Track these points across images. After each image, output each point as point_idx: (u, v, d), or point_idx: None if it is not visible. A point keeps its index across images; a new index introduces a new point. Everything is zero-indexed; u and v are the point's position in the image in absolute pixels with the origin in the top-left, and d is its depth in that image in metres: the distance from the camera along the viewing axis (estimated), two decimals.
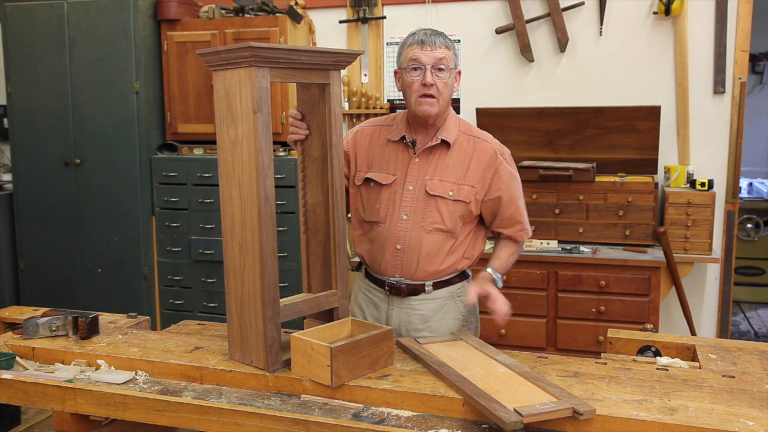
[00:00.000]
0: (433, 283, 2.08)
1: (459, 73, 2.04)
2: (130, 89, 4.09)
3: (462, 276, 2.15)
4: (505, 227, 2.12)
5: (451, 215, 2.03)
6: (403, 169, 2.06)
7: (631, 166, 3.75)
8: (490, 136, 2.13)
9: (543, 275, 3.48)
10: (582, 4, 3.89)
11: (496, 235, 2.17)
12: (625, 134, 3.70)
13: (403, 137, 2.07)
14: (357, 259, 2.29)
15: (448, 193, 2.02)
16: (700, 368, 1.79)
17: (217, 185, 1.83)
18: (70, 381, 1.78)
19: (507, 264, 2.12)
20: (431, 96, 1.97)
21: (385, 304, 2.13)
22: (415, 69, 1.96)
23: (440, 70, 1.96)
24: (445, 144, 2.05)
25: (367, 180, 2.09)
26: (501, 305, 1.93)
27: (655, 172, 3.74)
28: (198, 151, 4.20)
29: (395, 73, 2.06)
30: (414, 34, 2.00)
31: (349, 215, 2.18)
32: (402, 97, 4.16)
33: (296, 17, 4.05)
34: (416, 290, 2.08)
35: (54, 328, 2.05)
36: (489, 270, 2.06)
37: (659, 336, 2.04)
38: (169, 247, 4.21)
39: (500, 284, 2.04)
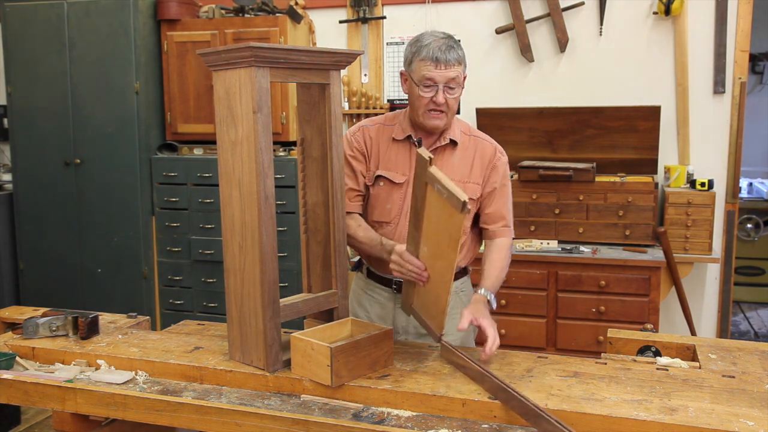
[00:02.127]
0: None
1: (464, 78, 2.04)
2: (130, 89, 4.09)
3: (463, 272, 2.17)
4: (490, 222, 2.11)
5: None
6: (410, 169, 2.06)
7: (631, 166, 3.75)
8: (488, 136, 2.15)
9: (543, 275, 3.48)
10: (582, 4, 3.89)
11: (482, 231, 2.16)
12: (625, 134, 3.70)
13: (409, 136, 2.07)
14: (356, 259, 2.29)
15: None
16: (700, 368, 1.79)
17: (217, 185, 1.83)
18: (70, 381, 1.78)
19: (498, 282, 2.05)
20: (440, 111, 1.97)
21: (391, 303, 2.13)
22: (427, 86, 1.94)
23: (452, 88, 1.95)
24: (450, 144, 2.06)
25: (378, 178, 2.08)
26: (491, 340, 1.81)
27: (655, 172, 3.74)
28: (198, 151, 4.20)
29: (401, 74, 2.05)
30: (428, 45, 1.93)
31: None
32: (402, 97, 4.19)
33: (296, 17, 4.05)
34: None
35: (54, 328, 2.05)
36: (482, 291, 1.97)
37: (659, 336, 2.04)
38: (169, 247, 4.21)
39: (494, 305, 1.96)
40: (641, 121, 3.64)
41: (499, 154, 2.11)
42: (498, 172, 2.09)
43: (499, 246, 2.09)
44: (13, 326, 2.21)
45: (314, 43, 4.32)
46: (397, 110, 2.17)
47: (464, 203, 1.58)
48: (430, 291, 1.82)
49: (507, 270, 2.10)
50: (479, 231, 2.17)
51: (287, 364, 1.76)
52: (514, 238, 2.16)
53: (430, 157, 1.68)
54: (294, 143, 4.10)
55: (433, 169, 1.68)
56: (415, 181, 1.76)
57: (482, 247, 2.20)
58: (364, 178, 2.10)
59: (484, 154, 2.09)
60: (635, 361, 1.87)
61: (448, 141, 2.05)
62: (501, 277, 2.06)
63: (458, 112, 4.03)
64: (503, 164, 2.11)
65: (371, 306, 2.18)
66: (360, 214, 2.12)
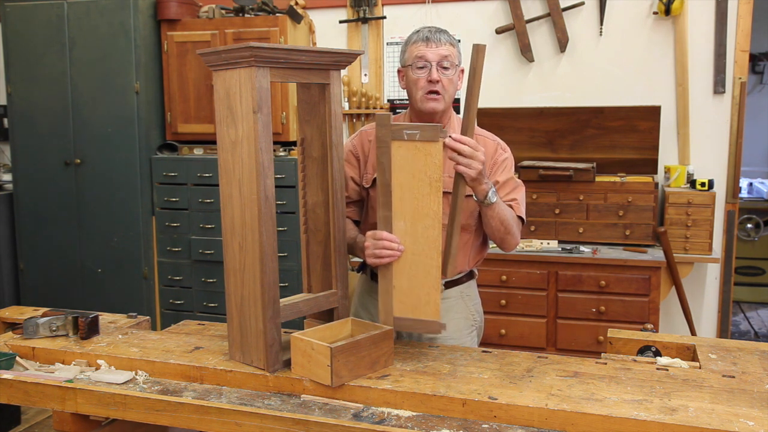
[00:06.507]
0: (445, 282, 2.08)
1: (462, 71, 2.04)
2: (130, 89, 4.09)
3: (470, 275, 2.16)
4: None
5: (463, 212, 2.02)
6: None
7: (631, 166, 3.75)
8: (490, 133, 2.14)
9: (543, 275, 3.48)
10: (582, 4, 3.89)
11: None
12: (625, 134, 3.70)
13: None
14: (357, 260, 2.28)
15: None
16: (700, 368, 1.79)
17: (217, 185, 1.83)
18: (70, 381, 1.78)
19: (505, 209, 1.97)
20: (437, 92, 1.97)
21: None
22: (420, 67, 1.96)
23: (445, 68, 1.96)
24: None
25: (376, 180, 2.07)
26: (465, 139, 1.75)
27: (655, 172, 3.74)
28: (198, 151, 4.20)
29: (399, 71, 2.06)
30: (418, 31, 1.99)
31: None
32: (402, 97, 4.19)
33: (296, 17, 4.05)
34: None
35: (54, 328, 2.05)
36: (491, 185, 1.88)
37: (659, 336, 2.04)
38: (169, 247, 4.21)
39: (493, 198, 1.87)
40: (641, 121, 3.65)
41: (501, 150, 2.10)
42: (500, 168, 2.08)
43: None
44: (13, 326, 2.21)
45: (314, 43, 4.32)
46: (398, 113, 2.17)
47: (440, 127, 1.68)
48: (417, 270, 1.78)
49: (510, 219, 1.98)
50: (485, 235, 2.14)
51: (287, 364, 1.76)
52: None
53: (389, 114, 1.76)
54: (294, 143, 4.10)
55: (396, 122, 1.76)
56: (379, 150, 1.77)
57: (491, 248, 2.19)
58: (356, 184, 2.11)
59: (485, 152, 2.08)
60: (635, 361, 1.87)
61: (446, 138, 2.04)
62: (508, 212, 1.97)
63: (458, 112, 4.05)
64: (504, 159, 2.09)
65: (375, 309, 2.17)
66: (356, 221, 2.13)
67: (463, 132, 1.80)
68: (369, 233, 1.84)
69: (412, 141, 1.72)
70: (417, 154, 1.72)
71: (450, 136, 1.75)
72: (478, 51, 1.77)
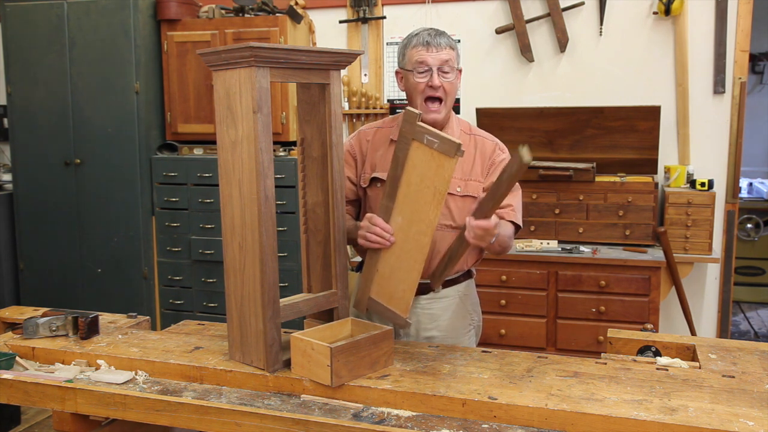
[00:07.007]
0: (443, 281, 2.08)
1: (460, 71, 2.05)
2: (130, 89, 4.09)
3: (467, 275, 2.16)
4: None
5: (460, 211, 2.03)
6: None
7: (631, 166, 3.75)
8: (489, 134, 2.15)
9: (543, 275, 3.48)
10: (582, 4, 3.89)
11: None
12: (625, 134, 3.70)
13: None
14: (357, 259, 2.29)
15: (456, 189, 2.03)
16: (700, 368, 1.79)
17: (217, 185, 1.84)
18: (70, 381, 1.79)
19: (504, 231, 1.97)
20: (438, 99, 1.97)
21: None
22: (421, 72, 1.96)
23: (446, 72, 1.96)
24: None
25: (374, 180, 2.08)
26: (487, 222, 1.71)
27: (655, 172, 3.74)
28: (198, 151, 4.20)
29: (397, 73, 2.06)
30: (417, 34, 1.99)
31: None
32: (402, 97, 4.19)
33: (296, 17, 4.05)
34: (426, 289, 2.07)
35: (54, 328, 2.05)
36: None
37: (659, 336, 2.04)
38: (169, 247, 4.21)
39: (493, 239, 1.85)
40: (641, 121, 3.64)
41: (499, 150, 2.10)
42: (498, 168, 2.07)
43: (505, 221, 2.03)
44: (13, 326, 2.21)
45: (314, 43, 4.32)
46: (397, 113, 2.17)
47: (458, 145, 1.65)
48: (400, 266, 1.81)
49: (510, 244, 2.01)
50: None
51: (287, 364, 1.76)
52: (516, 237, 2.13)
53: (419, 113, 1.76)
54: (294, 143, 4.10)
55: (422, 124, 1.75)
56: (398, 143, 1.78)
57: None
58: (353, 184, 2.12)
59: (484, 152, 2.08)
60: (635, 361, 1.87)
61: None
62: (507, 233, 1.98)
63: (458, 112, 4.05)
64: (502, 160, 2.09)
65: None
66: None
67: (481, 214, 1.70)
68: (368, 215, 1.87)
69: (429, 147, 1.72)
70: (431, 161, 1.72)
71: (470, 221, 1.70)
72: (521, 164, 1.53)
